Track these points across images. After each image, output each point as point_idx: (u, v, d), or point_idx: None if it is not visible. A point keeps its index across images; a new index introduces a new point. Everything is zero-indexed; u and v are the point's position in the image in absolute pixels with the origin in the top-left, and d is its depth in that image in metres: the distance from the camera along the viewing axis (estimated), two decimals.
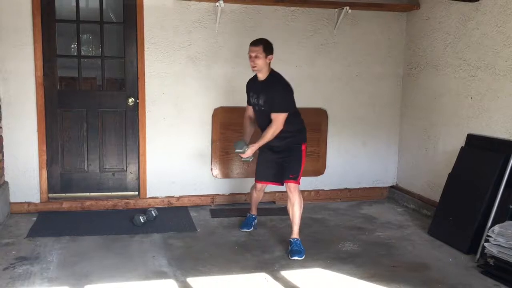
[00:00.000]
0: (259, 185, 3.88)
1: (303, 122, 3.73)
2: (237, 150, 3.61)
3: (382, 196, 5.17)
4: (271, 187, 4.03)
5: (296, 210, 3.55)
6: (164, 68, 4.46)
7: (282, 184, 3.70)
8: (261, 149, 3.67)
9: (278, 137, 3.57)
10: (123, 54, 4.45)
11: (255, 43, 3.54)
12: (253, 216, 4.10)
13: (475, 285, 3.08)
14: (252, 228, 4.03)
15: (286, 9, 4.64)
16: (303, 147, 3.68)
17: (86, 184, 4.54)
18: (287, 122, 3.53)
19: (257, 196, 4.01)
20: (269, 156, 3.72)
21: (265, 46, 3.50)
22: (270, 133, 3.52)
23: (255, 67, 3.52)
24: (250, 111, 3.82)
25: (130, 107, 4.50)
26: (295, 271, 3.23)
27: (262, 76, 3.57)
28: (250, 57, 3.51)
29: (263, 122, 3.65)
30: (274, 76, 3.58)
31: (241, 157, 3.66)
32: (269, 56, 3.52)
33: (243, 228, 4.02)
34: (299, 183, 3.60)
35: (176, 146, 4.59)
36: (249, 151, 3.58)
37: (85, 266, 3.22)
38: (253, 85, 3.71)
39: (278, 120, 3.49)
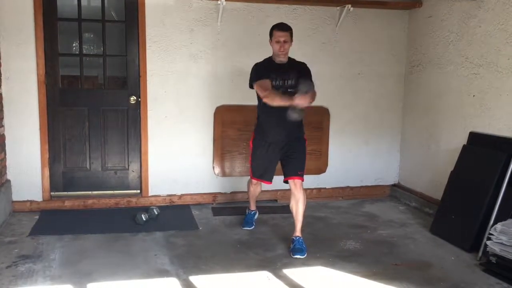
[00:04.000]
0: (254, 180, 3.86)
1: None
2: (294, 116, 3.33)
3: (384, 194, 5.16)
4: (273, 185, 4.02)
5: (300, 207, 3.54)
6: (165, 67, 4.46)
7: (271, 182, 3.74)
8: (262, 144, 3.66)
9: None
10: (125, 52, 4.46)
11: (283, 28, 3.56)
12: (253, 212, 4.10)
13: (477, 283, 3.07)
14: (253, 226, 4.03)
15: (288, 7, 4.63)
16: (306, 142, 3.70)
17: (88, 183, 4.55)
18: None
19: (254, 190, 3.98)
20: (271, 153, 3.66)
21: (291, 32, 3.58)
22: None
23: (284, 51, 3.54)
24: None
25: (132, 106, 4.50)
26: (297, 269, 3.24)
27: (284, 59, 3.60)
28: (279, 42, 3.51)
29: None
30: (292, 58, 3.65)
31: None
32: (292, 42, 3.61)
33: (245, 226, 4.02)
34: (303, 180, 3.60)
35: (178, 144, 4.59)
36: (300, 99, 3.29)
37: (87, 264, 3.23)
38: (272, 69, 3.57)
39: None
